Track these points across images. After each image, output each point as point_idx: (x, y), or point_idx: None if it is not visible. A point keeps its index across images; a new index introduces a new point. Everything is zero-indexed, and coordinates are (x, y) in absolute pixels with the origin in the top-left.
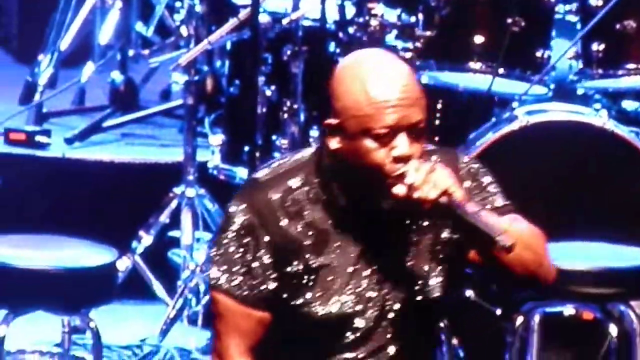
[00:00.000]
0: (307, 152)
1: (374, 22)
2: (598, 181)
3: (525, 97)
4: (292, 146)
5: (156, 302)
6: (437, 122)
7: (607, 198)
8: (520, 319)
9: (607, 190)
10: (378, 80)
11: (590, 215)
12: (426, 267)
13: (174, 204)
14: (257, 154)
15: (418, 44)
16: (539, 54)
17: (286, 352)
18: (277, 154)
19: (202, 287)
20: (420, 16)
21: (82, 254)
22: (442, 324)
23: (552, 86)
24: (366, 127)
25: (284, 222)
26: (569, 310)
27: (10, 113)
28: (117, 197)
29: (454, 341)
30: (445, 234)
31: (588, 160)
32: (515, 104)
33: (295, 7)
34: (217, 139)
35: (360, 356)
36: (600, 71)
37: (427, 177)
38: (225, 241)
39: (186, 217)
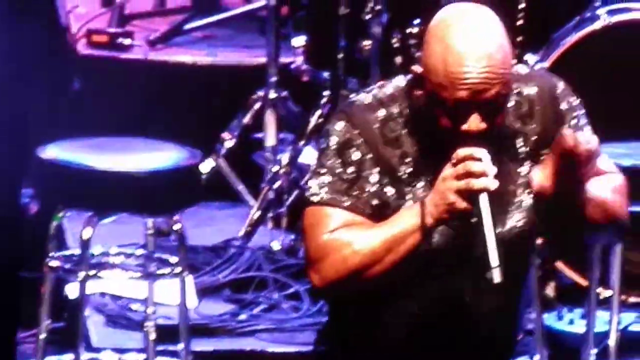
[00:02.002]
0: (401, 83)
1: None
2: None
3: None
4: (374, 48)
5: (240, 204)
6: (520, 22)
7: None
8: None
9: None
10: (460, 51)
11: None
12: (516, 200)
13: (257, 106)
14: (340, 56)
15: None
16: None
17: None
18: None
19: (285, 189)
20: None
21: (166, 156)
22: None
23: None
24: (439, 94)
25: (382, 147)
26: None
27: (93, 14)
28: (200, 100)
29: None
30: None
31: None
32: (597, 3)
33: None
34: (299, 40)
35: (455, 286)
36: None
37: (477, 170)
38: (326, 156)
39: (269, 119)
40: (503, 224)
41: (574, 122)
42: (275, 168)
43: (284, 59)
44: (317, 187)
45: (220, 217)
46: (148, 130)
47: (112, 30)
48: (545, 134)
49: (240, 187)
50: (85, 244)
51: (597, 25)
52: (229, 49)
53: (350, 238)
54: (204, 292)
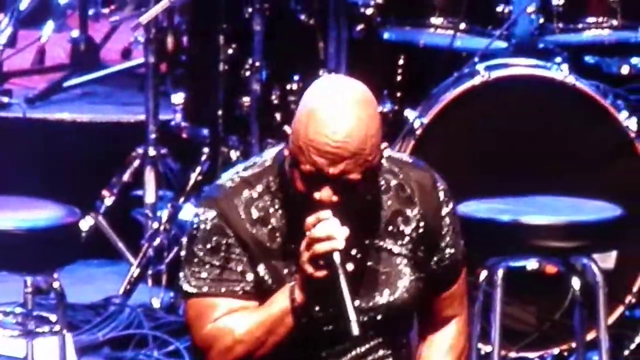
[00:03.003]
0: (269, 156)
1: None
2: (559, 135)
3: (486, 52)
4: (254, 105)
5: (120, 261)
6: (398, 78)
7: (568, 152)
8: (484, 274)
9: (568, 143)
10: (322, 120)
11: (551, 168)
12: (395, 272)
13: (136, 163)
14: (219, 113)
15: (379, 0)
16: (499, 9)
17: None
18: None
19: (165, 246)
20: None
21: (45, 214)
22: None
23: (513, 41)
24: (297, 157)
25: (250, 227)
26: (532, 264)
27: None
28: (79, 157)
29: None
30: (423, 248)
31: (549, 114)
32: (476, 59)
33: None
34: (178, 97)
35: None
36: (560, 25)
37: (320, 235)
38: (195, 244)
39: (149, 176)
40: (374, 298)
41: (450, 233)
42: (155, 225)
43: (163, 116)
44: (191, 278)
45: (100, 274)
46: (26, 189)
47: None
48: (426, 223)
49: (120, 245)
50: None
51: (476, 81)
52: (108, 106)
53: (231, 326)
54: (83, 351)
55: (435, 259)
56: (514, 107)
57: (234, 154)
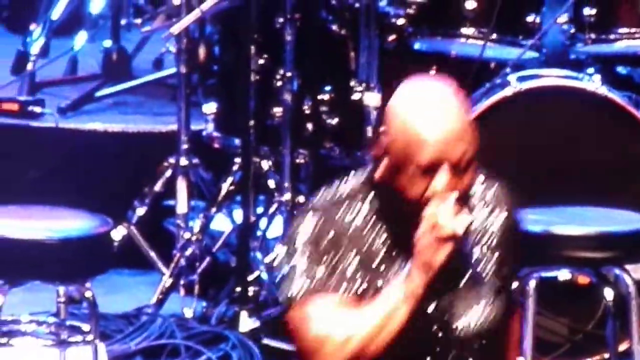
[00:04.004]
0: (359, 179)
1: None
2: (591, 146)
3: (517, 63)
4: (285, 115)
5: (152, 271)
6: None
7: (600, 162)
8: (515, 284)
9: (600, 154)
10: (424, 115)
11: (584, 179)
12: (484, 298)
13: (168, 173)
14: (251, 123)
15: (410, 10)
16: (530, 19)
17: None
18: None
19: (197, 256)
20: None
21: (77, 224)
22: None
23: (544, 51)
24: (409, 156)
25: (352, 238)
26: (564, 274)
27: (3, 83)
28: (111, 167)
29: None
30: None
31: (581, 125)
32: (507, 70)
33: None
34: (210, 107)
35: None
36: (592, 36)
37: (442, 220)
38: (301, 253)
39: (181, 186)
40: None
41: (513, 237)
42: (186, 235)
43: (195, 126)
44: (298, 284)
45: (132, 284)
46: (59, 198)
47: (23, 98)
48: (503, 236)
49: (152, 255)
50: None
51: (507, 92)
52: (139, 116)
53: (342, 323)
54: None
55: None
56: (546, 118)
57: (265, 164)
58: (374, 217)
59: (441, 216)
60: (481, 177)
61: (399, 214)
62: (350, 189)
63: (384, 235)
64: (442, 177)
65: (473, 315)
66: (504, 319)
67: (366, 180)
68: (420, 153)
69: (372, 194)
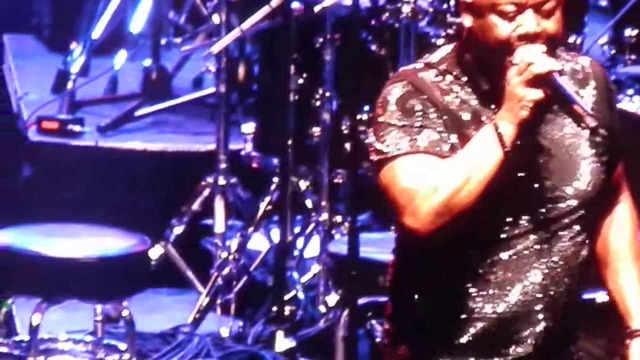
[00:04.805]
0: (445, 50)
1: (405, 9)
2: (632, 166)
3: None
4: (324, 135)
5: (189, 290)
6: None
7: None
8: None
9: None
10: None
11: None
12: (582, 162)
13: (206, 192)
14: (289, 142)
15: (450, 31)
16: (572, 39)
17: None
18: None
19: (234, 275)
20: (452, 2)
21: (115, 242)
22: None
23: None
24: (493, 2)
25: (441, 98)
26: (602, 296)
27: (43, 101)
28: (150, 186)
29: None
30: (601, 130)
31: (622, 145)
32: None
33: None
34: (249, 127)
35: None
36: (632, 57)
37: (536, 57)
38: (389, 116)
39: (219, 206)
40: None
41: (617, 115)
42: (224, 254)
43: (233, 145)
44: (387, 144)
45: (169, 303)
46: (97, 217)
47: (63, 117)
48: (600, 103)
49: (189, 274)
50: (34, 330)
51: None
52: (179, 135)
53: (434, 169)
54: None
55: (611, 146)
56: None
57: (303, 184)
58: (459, 82)
59: (533, 55)
60: (568, 56)
61: (487, 74)
62: (439, 58)
63: (473, 100)
64: (528, 18)
65: (574, 178)
66: (608, 191)
67: (453, 50)
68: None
69: (454, 64)
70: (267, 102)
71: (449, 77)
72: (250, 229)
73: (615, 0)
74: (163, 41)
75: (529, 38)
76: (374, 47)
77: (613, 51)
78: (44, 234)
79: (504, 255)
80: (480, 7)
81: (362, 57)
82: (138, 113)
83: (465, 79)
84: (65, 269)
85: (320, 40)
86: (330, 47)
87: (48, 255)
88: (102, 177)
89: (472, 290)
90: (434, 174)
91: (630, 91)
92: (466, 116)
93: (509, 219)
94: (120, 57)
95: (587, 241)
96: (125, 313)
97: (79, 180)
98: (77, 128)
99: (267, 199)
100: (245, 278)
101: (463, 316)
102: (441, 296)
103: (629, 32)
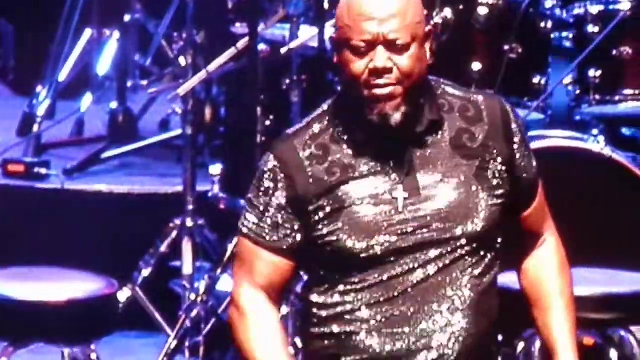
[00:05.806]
0: (330, 101)
1: None
2: (596, 207)
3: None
4: None
5: (158, 333)
6: None
7: (605, 224)
8: (521, 345)
9: (605, 216)
10: None
11: (588, 241)
12: (470, 197)
13: (174, 234)
14: None
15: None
16: (536, 80)
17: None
18: None
19: (203, 317)
20: None
21: (83, 285)
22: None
23: (549, 112)
24: (345, 37)
25: (308, 166)
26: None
27: (9, 144)
28: (117, 228)
29: None
30: (493, 165)
31: (586, 186)
32: None
33: (294, 36)
34: (216, 169)
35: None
36: (597, 97)
37: None
38: (252, 189)
39: (186, 247)
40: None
41: (522, 149)
42: (192, 296)
43: (200, 187)
44: (244, 217)
45: (138, 346)
46: (64, 260)
47: (29, 160)
48: (494, 138)
49: (157, 316)
50: None
51: None
52: (146, 177)
53: (255, 324)
54: None
55: (509, 182)
56: (551, 179)
57: None
58: (334, 135)
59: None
60: (460, 92)
61: (361, 121)
62: (315, 115)
63: (344, 152)
64: (379, 54)
65: (463, 218)
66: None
67: (330, 104)
68: (353, 32)
69: (332, 117)
70: (234, 143)
71: (325, 135)
72: (219, 271)
73: (579, 41)
74: (129, 83)
75: (379, 73)
76: (340, 88)
77: (578, 91)
78: (10, 278)
79: (390, 293)
80: (339, 43)
81: (328, 98)
82: (104, 155)
83: (338, 133)
84: (32, 312)
85: (287, 81)
86: (297, 89)
87: (14, 298)
88: (68, 220)
89: (362, 330)
90: (257, 330)
91: (595, 131)
92: (334, 180)
93: (393, 259)
94: (87, 100)
95: (484, 272)
96: (93, 356)
97: (45, 223)
98: (43, 171)
99: (235, 240)
100: (213, 320)
101: (358, 357)
102: (336, 337)
103: (593, 72)
